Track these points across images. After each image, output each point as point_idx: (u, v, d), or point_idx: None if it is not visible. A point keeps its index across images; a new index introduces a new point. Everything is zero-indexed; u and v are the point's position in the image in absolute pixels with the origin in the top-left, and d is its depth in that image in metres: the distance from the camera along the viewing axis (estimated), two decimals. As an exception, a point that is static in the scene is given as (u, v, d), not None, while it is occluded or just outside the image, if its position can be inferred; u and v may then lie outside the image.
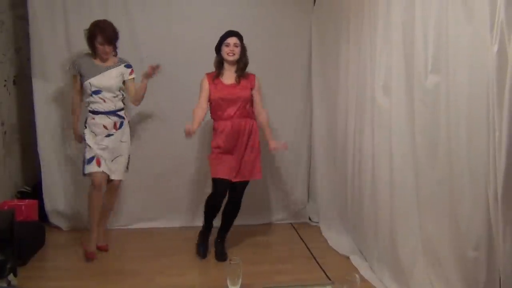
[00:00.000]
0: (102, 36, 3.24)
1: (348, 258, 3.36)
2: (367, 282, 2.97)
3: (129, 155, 3.50)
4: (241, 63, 3.38)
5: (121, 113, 3.41)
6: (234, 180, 3.33)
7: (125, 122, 3.44)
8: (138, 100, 3.44)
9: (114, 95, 3.35)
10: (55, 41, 3.78)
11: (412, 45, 2.54)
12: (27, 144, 4.07)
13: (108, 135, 3.35)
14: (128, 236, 3.83)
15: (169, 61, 3.66)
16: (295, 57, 4.11)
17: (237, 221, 3.97)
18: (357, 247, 3.46)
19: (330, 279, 3.04)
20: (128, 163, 3.50)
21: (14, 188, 3.93)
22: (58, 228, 3.93)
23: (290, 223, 4.23)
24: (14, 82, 3.96)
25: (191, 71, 3.79)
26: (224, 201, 3.41)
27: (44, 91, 3.81)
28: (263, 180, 4.19)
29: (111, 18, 3.73)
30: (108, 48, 3.29)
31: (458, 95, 2.23)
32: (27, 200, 3.70)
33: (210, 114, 3.45)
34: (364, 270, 3.13)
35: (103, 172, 3.30)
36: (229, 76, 3.39)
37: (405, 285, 2.70)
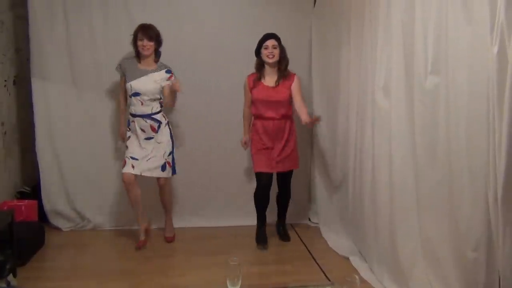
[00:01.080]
0: (142, 31, 3.40)
1: (347, 259, 3.36)
2: (366, 283, 2.97)
3: (169, 154, 3.57)
4: (283, 64, 3.52)
5: (157, 116, 3.50)
6: (275, 170, 3.56)
7: (162, 125, 3.52)
8: (167, 105, 3.54)
9: (152, 99, 3.45)
10: (55, 41, 3.78)
11: (412, 46, 2.54)
12: (27, 144, 4.06)
13: (148, 138, 3.48)
14: (127, 237, 3.83)
15: (170, 60, 3.66)
16: (295, 58, 4.07)
17: (237, 222, 3.99)
18: (357, 248, 3.46)
19: (329, 280, 3.04)
20: (172, 162, 3.59)
21: (13, 188, 3.92)
22: (57, 228, 3.93)
23: (290, 224, 4.22)
24: (14, 82, 3.95)
25: (191, 70, 3.79)
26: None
27: (43, 92, 3.80)
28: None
29: (111, 18, 3.75)
30: (147, 44, 3.39)
31: (458, 96, 2.23)
32: (26, 201, 3.70)
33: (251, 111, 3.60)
34: (363, 271, 3.12)
35: (130, 173, 3.43)
36: (270, 78, 3.52)
37: (405, 286, 2.70)
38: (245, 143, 3.67)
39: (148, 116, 3.47)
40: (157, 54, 3.54)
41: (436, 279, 2.50)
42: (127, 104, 3.57)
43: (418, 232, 2.64)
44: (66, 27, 3.78)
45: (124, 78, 3.50)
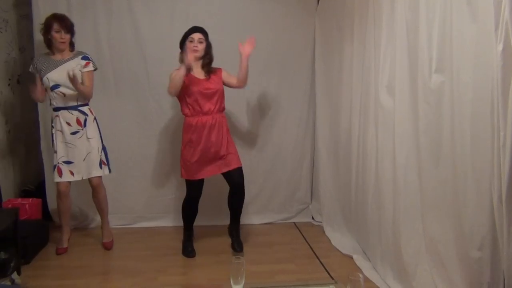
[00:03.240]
0: (58, 23, 3.23)
1: (351, 258, 3.36)
2: (370, 282, 2.96)
3: (102, 150, 3.43)
4: (206, 59, 3.36)
5: (83, 108, 3.34)
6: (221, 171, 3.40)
7: (90, 119, 3.37)
8: (86, 96, 3.33)
9: (74, 90, 3.25)
10: (59, 40, 3.78)
11: (416, 44, 2.53)
12: (31, 143, 4.08)
13: (74, 133, 3.31)
14: (131, 235, 3.84)
15: (173, 60, 3.65)
16: (298, 57, 4.10)
17: (241, 220, 3.97)
18: (360, 247, 3.46)
19: (333, 279, 3.03)
20: (106, 160, 3.46)
21: (18, 186, 3.94)
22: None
23: (293, 222, 4.23)
24: (18, 81, 3.97)
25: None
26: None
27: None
28: (266, 179, 4.20)
29: (115, 17, 3.76)
30: (65, 36, 3.26)
31: (462, 95, 2.22)
32: (31, 199, 3.71)
33: (182, 110, 3.38)
34: (367, 270, 3.12)
35: (67, 182, 3.33)
36: (198, 72, 3.36)
37: (409, 285, 2.70)
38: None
39: (74, 108, 3.29)
40: (71, 44, 3.36)
41: (440, 278, 2.49)
42: (49, 101, 3.37)
43: (422, 231, 2.63)
44: (70, 26, 3.78)
45: (39, 75, 3.29)
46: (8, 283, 2.79)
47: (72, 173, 3.34)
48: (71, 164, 3.34)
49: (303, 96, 4.17)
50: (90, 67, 3.36)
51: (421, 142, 2.57)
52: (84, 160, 3.35)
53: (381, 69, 2.93)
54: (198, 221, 3.99)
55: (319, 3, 4.04)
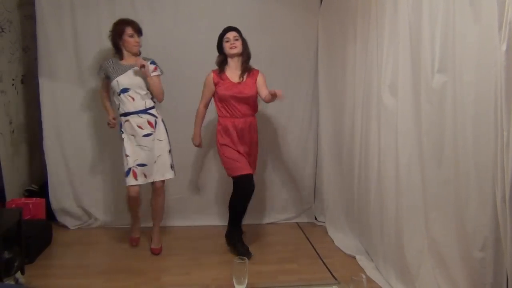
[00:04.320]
0: (131, 27, 3.30)
1: (354, 258, 3.35)
2: (373, 283, 2.96)
3: (170, 153, 3.46)
4: (245, 56, 3.40)
5: (152, 111, 3.39)
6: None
7: (159, 121, 3.42)
8: (156, 96, 3.40)
9: (142, 94, 3.35)
10: (62, 40, 3.80)
11: (419, 44, 2.53)
12: (34, 143, 4.09)
13: (147, 135, 3.35)
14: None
15: (175, 59, 3.67)
16: (301, 56, 4.10)
17: (244, 221, 3.97)
18: (363, 247, 3.45)
19: (336, 279, 3.03)
20: (172, 162, 3.48)
21: (21, 186, 3.95)
22: (65, 226, 3.96)
23: (296, 222, 4.23)
24: (22, 81, 3.98)
25: (197, 69, 3.79)
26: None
27: (51, 90, 3.83)
28: (269, 180, 4.20)
29: (118, 16, 3.75)
30: (138, 40, 3.34)
31: (465, 95, 2.21)
32: (34, 199, 3.72)
33: (217, 111, 3.46)
34: (370, 270, 3.12)
35: (137, 185, 3.36)
36: (234, 74, 3.40)
37: (411, 285, 2.69)
38: (199, 144, 3.54)
39: (143, 112, 3.34)
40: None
41: (443, 278, 2.49)
42: (116, 106, 3.42)
43: (424, 231, 2.63)
44: (73, 26, 3.80)
45: (107, 80, 3.39)
46: (12, 282, 2.80)
47: (145, 176, 3.36)
48: (145, 166, 3.35)
49: (306, 96, 4.17)
50: (158, 72, 3.39)
51: (423, 142, 2.56)
52: (155, 162, 3.38)
53: (383, 69, 2.93)
54: (201, 221, 4.01)
55: (322, 3, 4.04)
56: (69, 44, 3.81)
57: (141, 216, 3.65)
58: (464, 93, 2.22)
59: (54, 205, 3.92)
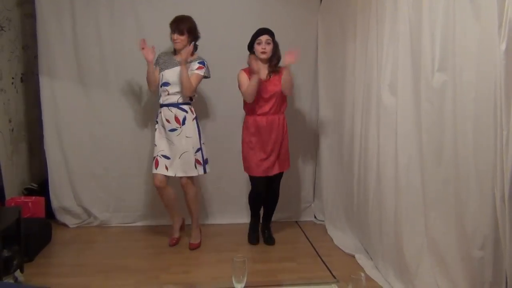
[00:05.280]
0: (174, 24, 3.37)
1: (353, 256, 3.35)
2: (372, 281, 2.96)
3: (197, 151, 3.43)
4: (274, 60, 3.46)
5: (184, 106, 3.40)
6: (271, 173, 3.50)
7: (189, 118, 3.41)
8: (183, 88, 3.35)
9: (178, 91, 3.37)
10: (62, 38, 3.80)
11: (419, 43, 2.52)
12: (34, 141, 4.09)
13: (172, 130, 3.39)
14: (133, 234, 3.85)
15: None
16: (301, 55, 4.08)
17: (243, 219, 3.98)
18: (363, 246, 3.45)
19: (335, 278, 3.03)
20: (201, 160, 3.45)
21: (21, 185, 3.95)
22: (64, 225, 3.96)
23: (296, 221, 4.23)
24: (22, 80, 3.98)
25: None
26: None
27: (51, 89, 3.83)
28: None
29: (117, 15, 3.76)
30: (178, 38, 3.36)
31: (465, 94, 2.21)
32: (34, 197, 3.72)
33: (244, 108, 3.54)
34: (369, 269, 3.12)
35: (162, 175, 3.39)
36: (263, 73, 3.45)
37: (410, 284, 2.69)
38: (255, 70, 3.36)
39: (174, 105, 3.38)
40: (194, 47, 3.43)
41: (442, 277, 2.49)
42: (159, 94, 3.49)
43: (424, 230, 2.63)
44: (73, 25, 3.80)
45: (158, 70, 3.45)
46: (11, 280, 2.80)
47: (166, 168, 3.40)
48: (168, 159, 3.40)
49: (306, 95, 4.16)
50: (201, 72, 3.39)
51: (423, 141, 2.56)
52: (179, 158, 3.39)
53: (383, 68, 2.93)
54: (200, 220, 4.00)
55: (322, 2, 4.04)
56: (69, 42, 3.81)
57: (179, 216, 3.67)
58: (464, 92, 2.22)
59: (54, 203, 3.92)
